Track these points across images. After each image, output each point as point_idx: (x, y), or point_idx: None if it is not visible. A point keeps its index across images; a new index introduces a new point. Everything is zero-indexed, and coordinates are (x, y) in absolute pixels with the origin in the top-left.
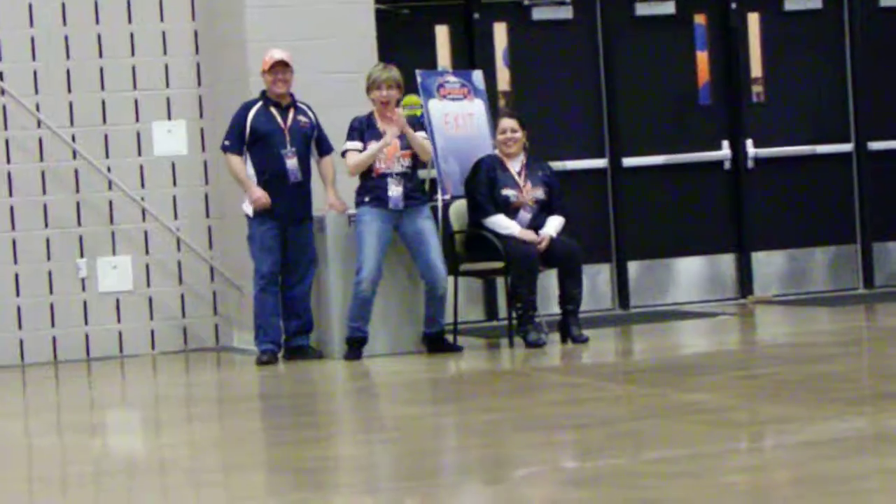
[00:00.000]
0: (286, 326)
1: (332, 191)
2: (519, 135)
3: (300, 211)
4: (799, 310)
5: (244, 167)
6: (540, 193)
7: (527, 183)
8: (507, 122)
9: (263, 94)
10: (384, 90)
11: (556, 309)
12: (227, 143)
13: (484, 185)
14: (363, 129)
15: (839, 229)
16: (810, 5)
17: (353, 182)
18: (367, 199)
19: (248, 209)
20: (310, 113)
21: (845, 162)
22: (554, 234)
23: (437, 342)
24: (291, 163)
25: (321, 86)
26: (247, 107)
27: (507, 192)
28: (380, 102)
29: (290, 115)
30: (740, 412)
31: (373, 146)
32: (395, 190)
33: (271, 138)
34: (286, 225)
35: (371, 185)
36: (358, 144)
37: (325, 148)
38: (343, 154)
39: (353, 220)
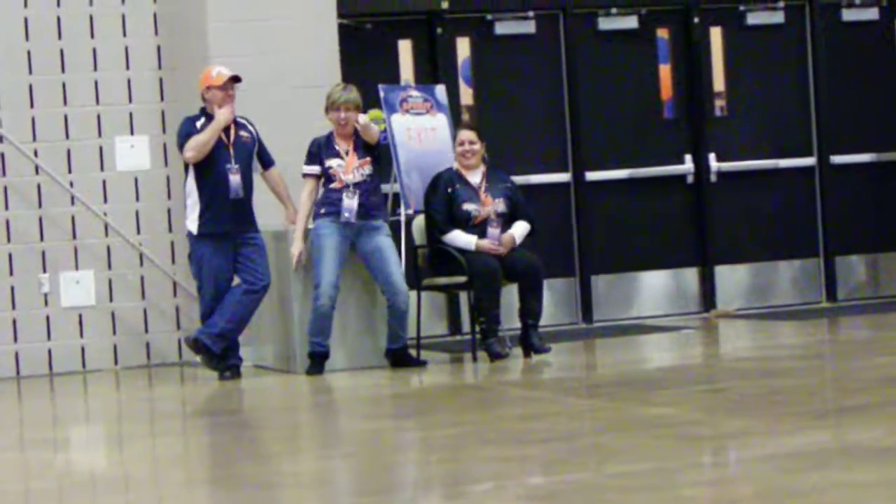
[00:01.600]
0: (213, 319)
1: (290, 206)
2: (477, 146)
3: (243, 225)
4: (762, 324)
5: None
6: (501, 206)
7: (487, 196)
8: (466, 134)
9: (203, 111)
10: (342, 112)
11: (517, 323)
12: (183, 147)
13: (441, 202)
14: (320, 152)
15: (802, 243)
16: (773, 20)
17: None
18: (323, 210)
19: (192, 226)
20: (250, 127)
21: (808, 176)
22: (517, 236)
23: (400, 357)
24: (234, 179)
25: (284, 101)
26: (192, 120)
27: (469, 206)
28: (337, 123)
29: (233, 130)
30: (703, 426)
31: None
32: (348, 202)
33: (216, 154)
34: (233, 241)
35: (331, 197)
36: (315, 168)
37: (267, 160)
38: (303, 177)
39: (309, 234)
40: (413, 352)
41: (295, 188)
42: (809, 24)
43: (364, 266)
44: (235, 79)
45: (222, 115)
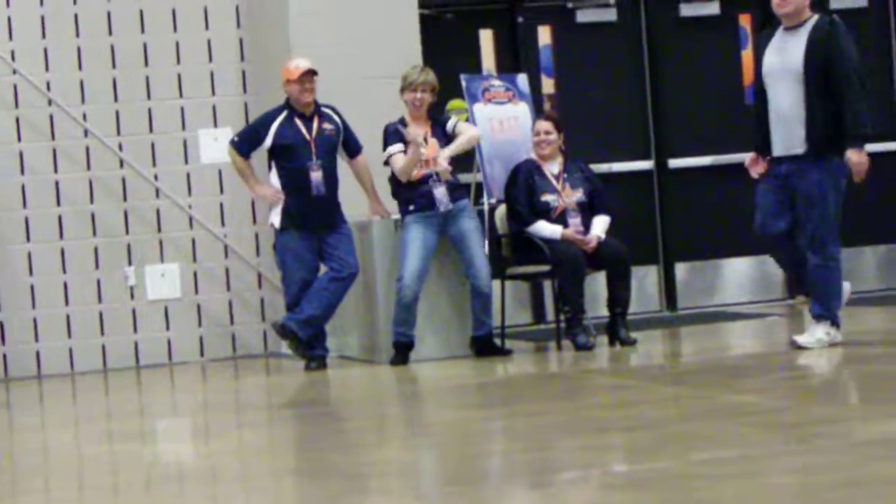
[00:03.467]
0: (301, 306)
1: (374, 197)
2: (553, 137)
3: (327, 219)
4: (848, 310)
5: (247, 165)
6: (580, 195)
7: (565, 186)
8: (542, 125)
9: (287, 104)
10: (418, 93)
11: (604, 311)
12: (236, 139)
13: (522, 193)
14: (398, 132)
15: (889, 228)
16: (856, 3)
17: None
18: (411, 207)
19: (276, 219)
20: (335, 117)
21: (894, 160)
22: (602, 235)
23: (485, 346)
24: (316, 176)
25: (365, 92)
26: (271, 116)
27: (547, 197)
28: (412, 104)
29: (315, 124)
30: (789, 413)
31: (411, 151)
32: (439, 191)
33: (297, 150)
34: (317, 234)
35: (414, 192)
36: (400, 146)
37: (354, 148)
38: (386, 162)
39: (398, 225)
40: (497, 341)
41: (377, 177)
42: (893, 8)
43: (452, 249)
44: (313, 72)
45: (260, 195)
